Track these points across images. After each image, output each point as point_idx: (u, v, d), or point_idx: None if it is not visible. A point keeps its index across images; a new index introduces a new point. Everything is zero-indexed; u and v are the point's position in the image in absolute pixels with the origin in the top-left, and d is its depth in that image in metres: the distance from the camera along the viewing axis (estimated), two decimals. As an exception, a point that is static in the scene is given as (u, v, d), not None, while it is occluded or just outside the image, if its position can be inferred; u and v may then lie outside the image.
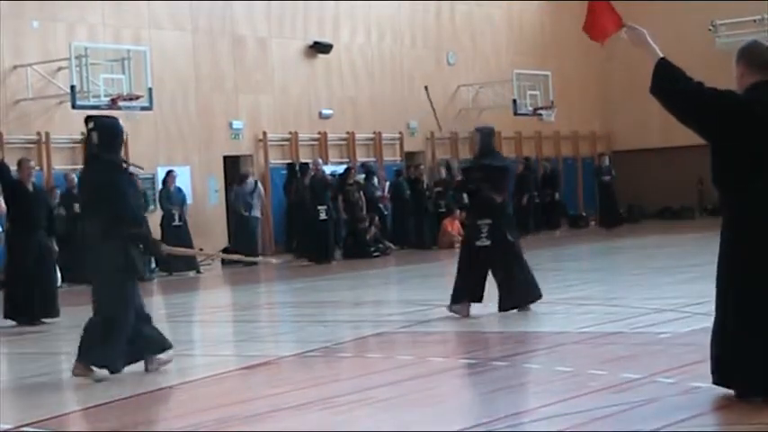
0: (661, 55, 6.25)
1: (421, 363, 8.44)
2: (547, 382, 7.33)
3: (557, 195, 28.55)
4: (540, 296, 11.27)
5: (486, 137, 11.50)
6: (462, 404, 6.77)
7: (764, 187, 6.05)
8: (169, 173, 21.18)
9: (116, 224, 8.32)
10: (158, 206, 21.14)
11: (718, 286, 6.43)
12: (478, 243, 11.18)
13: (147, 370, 8.60)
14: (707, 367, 7.36)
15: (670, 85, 6.16)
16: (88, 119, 8.76)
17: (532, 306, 11.28)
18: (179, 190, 21.24)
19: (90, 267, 8.62)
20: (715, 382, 6.28)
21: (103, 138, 8.53)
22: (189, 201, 21.60)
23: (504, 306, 11.15)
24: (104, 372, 8.34)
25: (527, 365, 8.14)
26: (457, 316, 11.16)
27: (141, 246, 8.56)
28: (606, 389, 6.86)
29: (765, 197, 6.06)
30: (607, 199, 28.68)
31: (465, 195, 11.76)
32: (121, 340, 8.39)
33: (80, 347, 8.40)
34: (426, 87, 14.16)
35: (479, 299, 11.29)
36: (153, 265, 20.54)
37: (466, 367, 8.14)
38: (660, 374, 7.14)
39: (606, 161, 29.39)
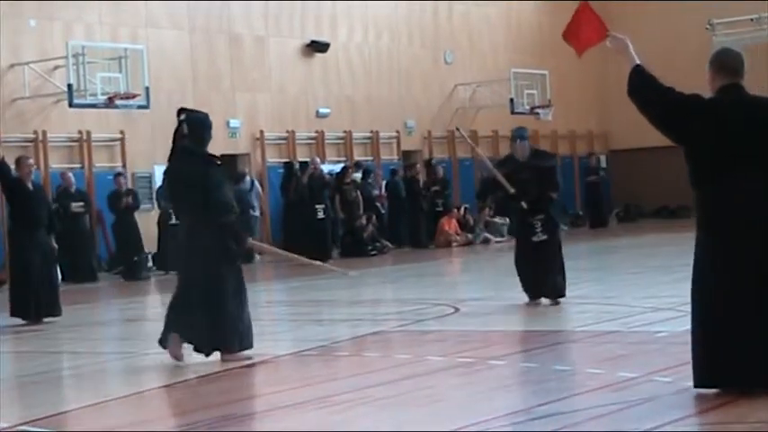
0: (638, 62, 6.65)
1: (418, 362, 8.45)
2: (544, 381, 7.33)
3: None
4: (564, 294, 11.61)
5: (529, 147, 11.87)
6: (460, 403, 6.77)
7: (729, 185, 6.29)
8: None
9: (210, 213, 8.50)
10: (155, 205, 21.14)
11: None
12: (535, 239, 11.50)
13: (207, 355, 8.71)
14: (704, 366, 7.37)
15: (643, 89, 6.57)
16: (181, 110, 8.99)
17: (532, 304, 11.54)
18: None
19: (187, 255, 8.74)
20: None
21: (194, 130, 8.77)
22: (186, 200, 21.57)
23: (558, 293, 11.47)
24: (248, 352, 8.66)
25: (524, 364, 8.14)
26: (449, 311, 11.24)
27: (231, 235, 8.70)
28: (603, 387, 6.87)
29: (729, 195, 6.29)
30: (593, 199, 28.65)
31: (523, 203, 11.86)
32: (227, 322, 8.58)
33: (198, 340, 8.59)
34: (457, 128, 14.22)
35: (545, 295, 11.54)
36: (150, 263, 20.56)
37: (463, 366, 8.15)
38: (657, 373, 7.14)
39: (594, 161, 29.37)
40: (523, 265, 11.68)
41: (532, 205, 11.57)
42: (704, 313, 6.33)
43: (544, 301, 11.63)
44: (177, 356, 8.75)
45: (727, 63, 6.57)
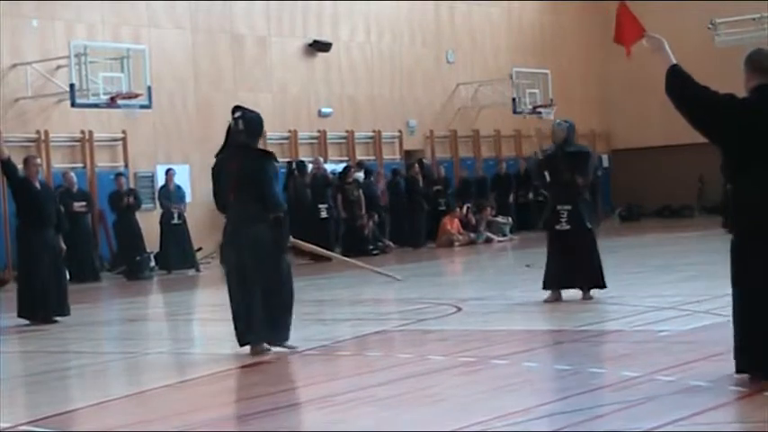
0: (674, 61, 6.89)
1: (420, 361, 8.44)
2: (546, 381, 7.33)
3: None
4: (605, 286, 11.70)
5: (570, 130, 12.04)
6: (462, 402, 6.77)
7: (759, 180, 6.57)
8: (168, 171, 21.21)
9: (264, 207, 8.88)
10: (158, 204, 21.16)
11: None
12: (558, 227, 11.67)
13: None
14: (706, 366, 7.39)
15: (679, 88, 6.78)
16: (236, 108, 9.18)
17: (551, 299, 11.64)
18: (178, 188, 21.24)
19: (245, 248, 8.91)
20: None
21: (250, 126, 9.02)
22: (188, 199, 21.60)
23: (580, 283, 11.62)
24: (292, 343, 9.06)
25: (526, 364, 8.14)
26: (451, 311, 11.20)
27: (280, 230, 9.05)
28: (606, 387, 6.87)
29: (759, 189, 6.57)
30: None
31: (543, 181, 12.18)
32: (288, 313, 9.04)
33: (260, 330, 8.87)
34: (528, 265, 14.33)
35: (569, 285, 11.65)
36: (152, 263, 20.57)
37: (465, 365, 8.14)
38: (659, 373, 7.14)
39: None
40: (550, 255, 11.83)
41: (562, 192, 11.71)
42: (746, 300, 6.57)
43: (570, 293, 11.64)
44: (261, 352, 8.99)
45: (760, 63, 6.76)
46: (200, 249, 21.53)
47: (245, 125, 9.02)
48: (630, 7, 7.77)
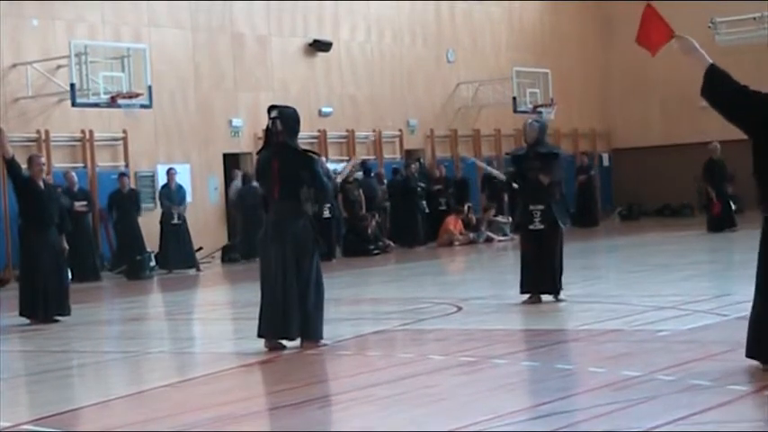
0: (711, 61, 7.01)
1: (421, 360, 8.45)
2: (546, 380, 7.34)
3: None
4: (557, 293, 11.67)
5: (541, 130, 12.00)
6: (462, 402, 6.77)
7: None
8: (170, 171, 21.21)
9: (306, 204, 9.23)
10: (158, 204, 21.16)
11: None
12: (531, 227, 11.65)
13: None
14: (706, 365, 7.40)
15: (719, 88, 6.89)
16: (272, 108, 9.37)
17: (529, 302, 11.63)
18: (180, 188, 21.25)
19: (287, 243, 9.15)
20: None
21: (288, 124, 9.22)
22: (189, 199, 21.60)
23: (556, 289, 11.60)
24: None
25: (526, 363, 8.14)
26: (451, 310, 11.23)
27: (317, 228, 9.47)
28: (606, 386, 6.87)
29: None
30: (583, 198, 28.44)
31: (515, 184, 12.17)
32: (322, 310, 9.43)
33: (304, 327, 9.20)
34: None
35: (547, 291, 11.62)
36: (153, 263, 20.57)
37: (465, 365, 8.15)
38: (660, 372, 7.15)
39: (585, 159, 29.22)
40: (525, 257, 11.78)
41: (534, 192, 11.68)
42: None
43: (545, 297, 11.65)
44: (276, 347, 9.20)
45: None
46: (200, 249, 21.53)
47: (284, 124, 9.23)
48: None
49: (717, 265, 16.95)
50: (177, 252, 20.72)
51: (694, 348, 8.19)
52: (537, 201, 11.68)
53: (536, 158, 11.76)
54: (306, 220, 9.28)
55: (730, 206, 23.04)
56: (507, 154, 12.95)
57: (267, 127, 9.36)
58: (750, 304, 7.18)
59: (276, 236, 9.22)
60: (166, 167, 21.65)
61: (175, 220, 20.83)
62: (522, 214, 11.93)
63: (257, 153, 9.71)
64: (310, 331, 9.31)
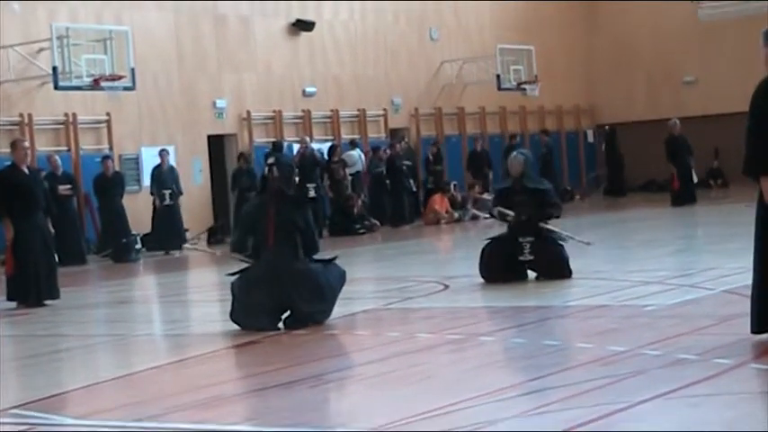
0: None
1: (408, 339, 8.47)
2: (534, 357, 7.37)
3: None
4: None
5: (528, 162, 11.86)
6: (450, 379, 6.80)
7: None
8: (162, 151, 21.07)
9: (304, 251, 9.49)
10: (151, 185, 21.03)
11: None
12: (521, 258, 11.57)
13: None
14: (692, 339, 7.44)
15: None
16: (268, 155, 10.14)
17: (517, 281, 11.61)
18: (172, 168, 21.18)
19: (287, 284, 9.33)
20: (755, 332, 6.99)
21: (283, 173, 9.57)
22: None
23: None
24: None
25: (514, 340, 8.17)
26: (438, 289, 11.27)
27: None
28: (593, 362, 6.91)
29: None
30: (546, 176, 28.10)
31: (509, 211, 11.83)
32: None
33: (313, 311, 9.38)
34: (589, 243, 14.15)
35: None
36: (139, 245, 20.53)
37: (453, 343, 8.18)
38: (646, 347, 7.18)
39: (546, 138, 28.80)
40: (493, 249, 11.71)
41: (522, 224, 11.55)
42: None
43: (531, 275, 11.66)
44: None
45: None
46: (187, 231, 21.50)
47: (280, 172, 9.56)
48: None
49: (701, 239, 17.02)
50: (169, 232, 20.66)
51: (680, 323, 8.23)
52: (526, 233, 11.54)
53: (523, 192, 11.63)
54: (303, 264, 9.44)
55: (692, 181, 23.46)
56: (495, 189, 12.79)
57: (263, 174, 9.75)
58: (736, 277, 7.23)
59: (273, 277, 9.29)
60: (151, 150, 21.58)
61: (167, 201, 20.79)
62: (510, 243, 11.62)
63: (253, 196, 10.15)
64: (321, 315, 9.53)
